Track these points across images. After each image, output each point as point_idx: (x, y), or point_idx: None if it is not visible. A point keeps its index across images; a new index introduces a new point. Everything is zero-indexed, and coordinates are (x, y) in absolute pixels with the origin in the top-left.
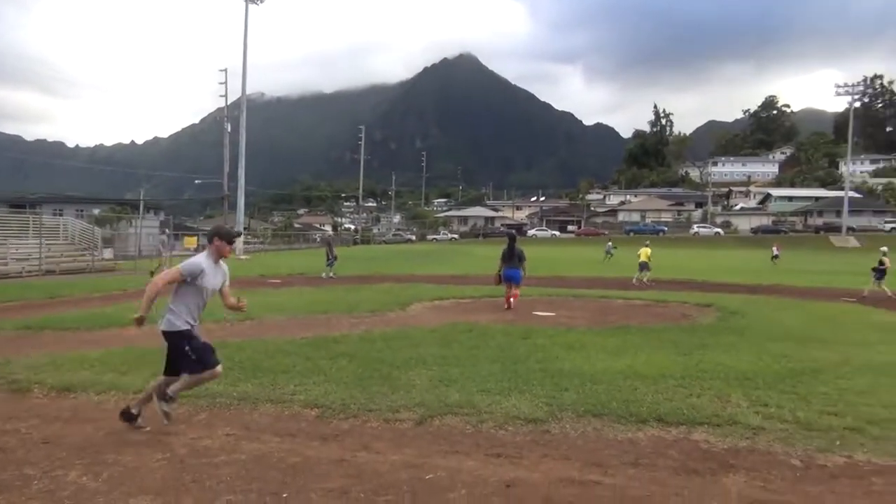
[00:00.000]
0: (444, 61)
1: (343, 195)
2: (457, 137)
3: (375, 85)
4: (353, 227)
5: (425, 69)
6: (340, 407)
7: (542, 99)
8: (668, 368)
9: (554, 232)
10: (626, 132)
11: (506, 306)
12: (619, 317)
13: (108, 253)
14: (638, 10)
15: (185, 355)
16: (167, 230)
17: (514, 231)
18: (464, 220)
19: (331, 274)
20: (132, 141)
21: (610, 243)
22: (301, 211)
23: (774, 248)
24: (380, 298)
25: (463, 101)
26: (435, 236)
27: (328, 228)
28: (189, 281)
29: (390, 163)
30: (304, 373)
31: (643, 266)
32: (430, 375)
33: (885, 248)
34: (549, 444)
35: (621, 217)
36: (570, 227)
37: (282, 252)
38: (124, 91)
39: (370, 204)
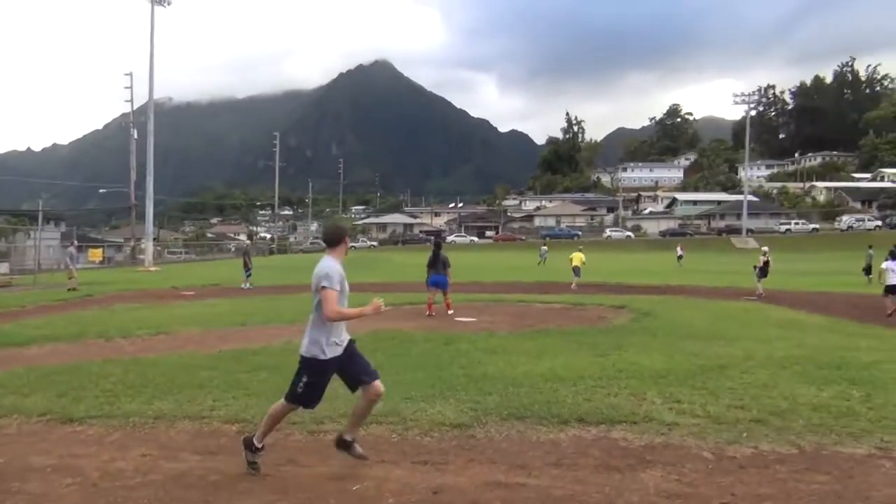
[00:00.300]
0: (360, 67)
1: (258, 203)
2: (374, 144)
3: (290, 91)
4: (268, 235)
5: (340, 75)
6: None
7: (458, 106)
8: (586, 370)
9: (472, 238)
10: (540, 139)
11: (428, 312)
12: (539, 321)
13: (3, 267)
14: (547, 19)
15: (296, 383)
16: (74, 241)
17: (439, 238)
18: (382, 227)
19: (248, 285)
20: (28, 148)
21: (545, 247)
22: (214, 220)
23: (679, 249)
24: (300, 308)
25: (379, 107)
26: (354, 244)
27: (243, 238)
28: (340, 291)
29: (306, 170)
30: (223, 387)
31: (576, 271)
32: None
33: (766, 248)
34: (474, 449)
35: (537, 222)
36: (488, 233)
37: (194, 263)
38: (18, 94)
39: (286, 212)
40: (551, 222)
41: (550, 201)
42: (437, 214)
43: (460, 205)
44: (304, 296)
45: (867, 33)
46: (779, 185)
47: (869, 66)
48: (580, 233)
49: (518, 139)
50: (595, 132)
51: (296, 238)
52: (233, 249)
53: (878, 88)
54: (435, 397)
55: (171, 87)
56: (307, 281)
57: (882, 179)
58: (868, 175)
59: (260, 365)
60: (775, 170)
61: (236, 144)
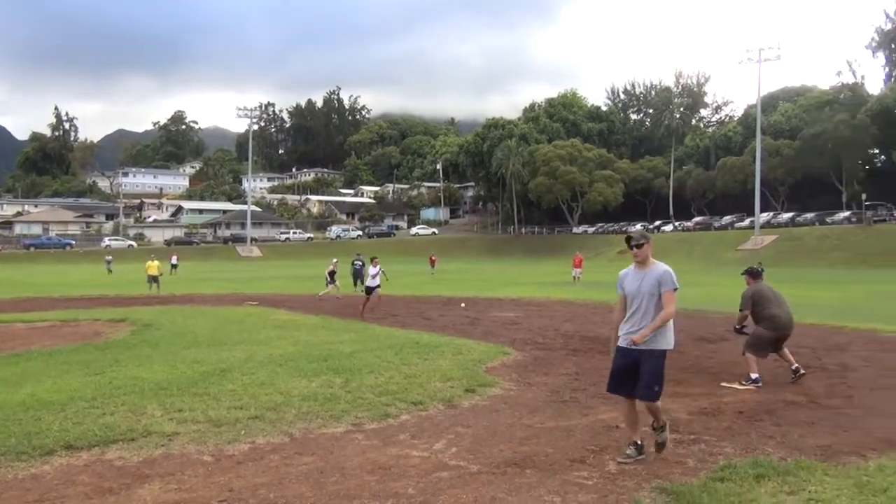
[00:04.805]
0: None
1: None
2: None
3: None
4: None
5: None
6: None
7: None
8: (78, 391)
9: None
10: (21, 135)
11: None
12: (20, 343)
13: None
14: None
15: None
16: None
17: None
18: None
19: None
20: None
21: (109, 257)
22: None
23: (174, 258)
24: None
25: None
26: None
27: None
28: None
29: None
30: None
31: (153, 279)
32: None
33: (335, 260)
34: None
35: (19, 229)
36: None
37: None
38: None
39: None
40: (38, 230)
41: (36, 206)
42: None
43: None
44: None
45: (343, 71)
46: (279, 196)
47: (351, 95)
48: (73, 242)
49: None
50: (91, 132)
51: None
52: None
53: (358, 117)
54: None
55: None
56: None
57: (362, 195)
58: (352, 191)
59: None
60: (276, 182)
61: None
